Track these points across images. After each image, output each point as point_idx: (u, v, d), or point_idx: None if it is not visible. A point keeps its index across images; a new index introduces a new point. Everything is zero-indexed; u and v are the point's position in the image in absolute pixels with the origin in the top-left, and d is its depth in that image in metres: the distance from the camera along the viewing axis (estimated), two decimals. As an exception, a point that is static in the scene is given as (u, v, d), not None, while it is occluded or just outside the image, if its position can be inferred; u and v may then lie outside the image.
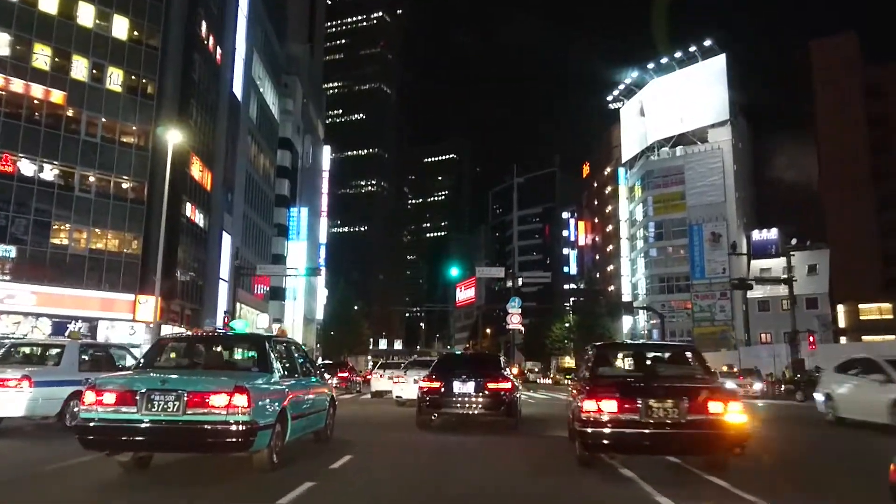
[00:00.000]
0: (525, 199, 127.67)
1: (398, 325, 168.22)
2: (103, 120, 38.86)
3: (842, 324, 61.55)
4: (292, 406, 7.58)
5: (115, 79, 39.37)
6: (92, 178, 38.38)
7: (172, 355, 8.26)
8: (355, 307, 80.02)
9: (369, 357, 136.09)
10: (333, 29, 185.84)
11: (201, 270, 46.17)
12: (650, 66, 72.53)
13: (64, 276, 36.67)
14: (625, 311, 53.99)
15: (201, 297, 46.28)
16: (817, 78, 63.61)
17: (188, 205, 43.27)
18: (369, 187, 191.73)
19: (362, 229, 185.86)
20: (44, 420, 10.51)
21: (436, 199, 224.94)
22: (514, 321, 34.73)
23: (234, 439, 6.38)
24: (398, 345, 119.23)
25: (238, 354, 8.81)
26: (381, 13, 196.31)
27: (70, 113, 37.81)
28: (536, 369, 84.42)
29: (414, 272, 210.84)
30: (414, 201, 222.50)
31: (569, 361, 77.00)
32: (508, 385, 11.97)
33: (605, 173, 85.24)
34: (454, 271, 38.30)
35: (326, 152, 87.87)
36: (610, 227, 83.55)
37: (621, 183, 77.12)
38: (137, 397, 6.37)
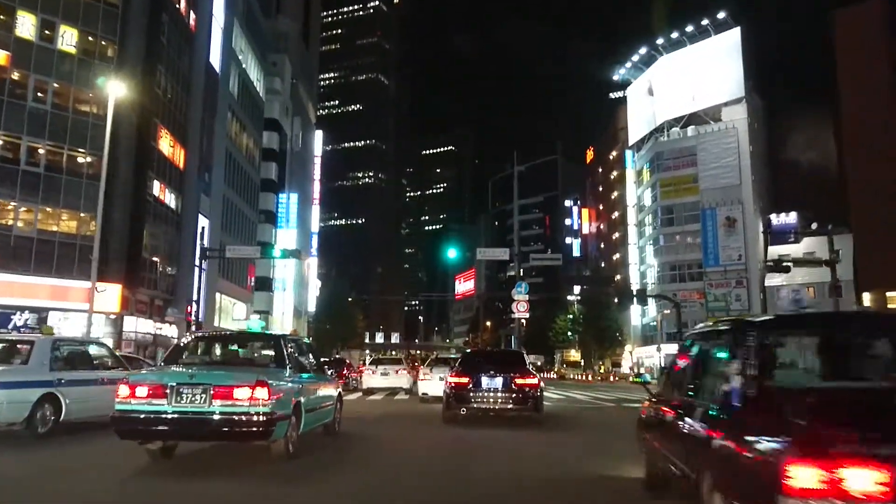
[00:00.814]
0: (526, 189, 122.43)
1: (396, 318, 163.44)
2: (55, 85, 33.98)
3: (868, 313, 56.74)
4: (306, 400, 7.87)
5: (68, 39, 34.42)
6: (42, 151, 33.51)
7: (195, 352, 8.46)
8: (349, 298, 75.10)
9: (367, 351, 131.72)
10: (330, 18, 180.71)
11: (173, 256, 41.39)
12: (659, 41, 67.58)
13: (8, 260, 31.83)
14: (637, 299, 49.24)
15: (174, 285, 41.52)
16: (841, 49, 58.54)
17: (156, 183, 38.47)
18: (367, 179, 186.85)
19: (360, 222, 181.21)
20: (10, 427, 8.92)
21: (434, 191, 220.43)
22: (521, 309, 29.91)
23: (255, 429, 6.65)
24: (395, 338, 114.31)
25: (255, 352, 8.88)
26: (377, 2, 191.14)
27: (15, 76, 32.91)
28: (539, 363, 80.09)
29: (413, 266, 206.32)
30: (412, 194, 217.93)
31: (574, 355, 72.40)
32: (535, 381, 11.89)
33: (611, 157, 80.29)
34: (451, 252, 34.16)
35: (318, 137, 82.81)
36: (616, 214, 78.69)
37: (628, 166, 72.22)
38: (167, 391, 6.67)
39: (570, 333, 73.94)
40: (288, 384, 7.46)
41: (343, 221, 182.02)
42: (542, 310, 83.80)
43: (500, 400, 11.56)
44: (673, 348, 52.00)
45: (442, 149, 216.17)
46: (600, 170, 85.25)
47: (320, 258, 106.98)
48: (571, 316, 73.11)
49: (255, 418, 6.61)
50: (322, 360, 35.27)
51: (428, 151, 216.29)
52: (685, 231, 63.96)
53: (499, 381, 11.61)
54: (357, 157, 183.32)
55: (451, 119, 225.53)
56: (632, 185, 71.98)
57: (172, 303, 41.31)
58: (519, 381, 11.64)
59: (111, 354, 11.29)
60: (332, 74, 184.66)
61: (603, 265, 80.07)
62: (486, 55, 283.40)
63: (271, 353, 8.23)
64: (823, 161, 65.85)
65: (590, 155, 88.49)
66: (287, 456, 7.30)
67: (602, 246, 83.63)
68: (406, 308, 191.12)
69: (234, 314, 42.37)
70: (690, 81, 64.14)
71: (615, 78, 75.13)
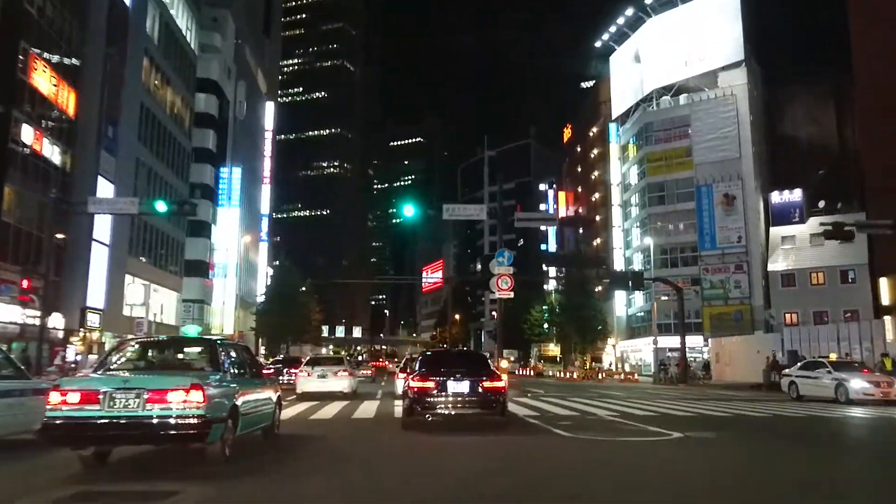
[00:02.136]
0: (497, 176, 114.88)
1: (361, 312, 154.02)
2: None
3: (885, 300, 49.28)
4: (242, 403, 7.74)
5: None
6: None
7: (130, 358, 8.18)
8: (303, 288, 65.62)
9: (331, 347, 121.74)
10: (294, 2, 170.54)
11: (58, 225, 31.87)
12: (648, 1, 59.37)
13: None
14: (632, 284, 41.06)
15: (59, 262, 32.00)
16: (855, 9, 51.05)
17: (27, 127, 29.04)
18: (332, 169, 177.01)
19: (325, 213, 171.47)
20: None
21: (403, 184, 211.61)
22: (504, 286, 21.35)
23: (190, 432, 6.54)
24: (358, 332, 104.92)
25: (191, 356, 8.48)
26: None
27: None
28: (513, 358, 72.12)
29: (380, 260, 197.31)
30: (380, 186, 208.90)
31: (553, 349, 64.17)
32: (502, 384, 11.01)
33: (591, 134, 72.07)
34: (408, 210, 25.83)
35: (270, 109, 73.21)
36: (597, 196, 70.59)
37: (612, 141, 64.05)
38: (101, 396, 6.51)
39: (545, 326, 65.81)
40: (223, 387, 7.30)
41: (307, 212, 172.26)
42: (514, 301, 75.90)
43: (467, 404, 10.55)
44: (671, 341, 43.99)
45: (410, 140, 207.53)
46: (579, 148, 77.00)
47: (282, 250, 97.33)
48: (547, 306, 64.93)
49: (189, 421, 6.50)
50: (277, 359, 27.85)
51: (396, 143, 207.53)
52: (677, 211, 55.98)
53: (466, 385, 10.60)
54: (322, 145, 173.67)
55: (421, 110, 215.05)
56: (616, 162, 63.86)
57: (60, 285, 31.87)
58: (486, 384, 10.69)
59: (6, 361, 8.96)
60: (295, 60, 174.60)
61: (582, 252, 71.79)
62: (456, 42, 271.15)
63: (207, 357, 8.00)
64: (826, 135, 58.69)
65: (567, 133, 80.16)
66: (223, 459, 7.12)
67: (581, 231, 75.42)
68: (373, 302, 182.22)
69: (127, 297, 32.84)
70: (683, 45, 56.26)
71: (597, 45, 66.88)
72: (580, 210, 75.98)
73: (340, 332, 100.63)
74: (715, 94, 54.79)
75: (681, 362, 39.64)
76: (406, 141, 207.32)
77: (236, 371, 8.20)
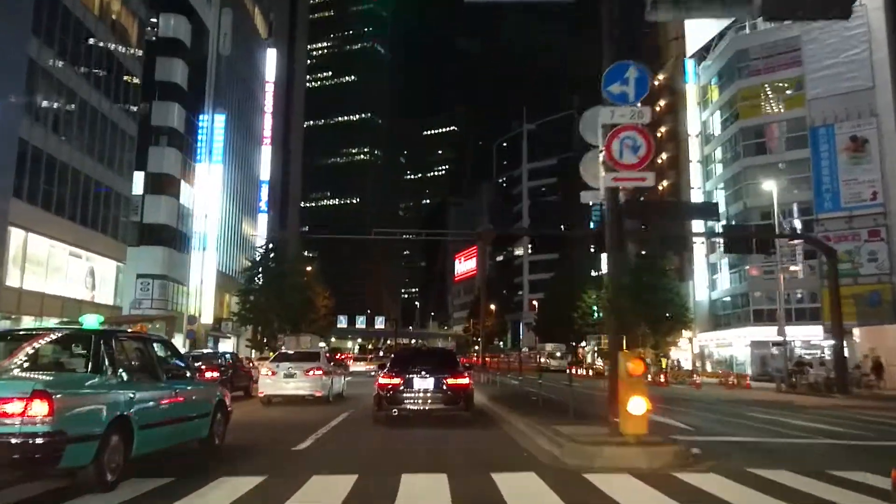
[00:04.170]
0: (536, 152, 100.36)
1: (390, 303, 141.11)
2: None
3: None
4: (142, 413, 6.03)
5: None
6: None
7: None
8: (308, 267, 52.35)
9: (359, 340, 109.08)
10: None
11: None
12: None
13: None
14: (757, 245, 26.74)
15: None
16: None
17: None
18: (361, 156, 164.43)
19: (354, 201, 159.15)
20: None
21: (436, 174, 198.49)
22: (630, 156, 7.61)
23: (31, 455, 4.78)
24: (380, 323, 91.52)
25: (65, 353, 6.37)
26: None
27: None
28: (559, 354, 58.21)
29: (412, 251, 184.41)
30: (412, 176, 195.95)
31: (616, 343, 49.77)
32: (466, 381, 11.48)
33: (656, 83, 56.91)
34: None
35: (272, 57, 60.05)
36: (664, 157, 55.85)
37: (689, 82, 49.38)
38: None
39: (598, 313, 51.52)
40: (99, 394, 5.58)
41: (336, 201, 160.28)
42: (560, 286, 62.25)
43: (432, 400, 11.11)
44: (810, 331, 29.25)
45: (443, 129, 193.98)
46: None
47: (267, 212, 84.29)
48: (605, 291, 50.31)
49: (31, 441, 4.76)
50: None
51: (429, 132, 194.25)
52: (784, 161, 41.28)
53: (430, 382, 11.14)
54: (351, 131, 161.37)
55: (454, 95, 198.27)
56: (694, 108, 49.18)
57: None
58: (450, 381, 11.18)
59: None
60: (324, 44, 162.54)
61: (644, 226, 57.21)
62: (492, 15, 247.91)
63: (83, 354, 6.00)
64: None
65: (623, 88, 65.71)
66: (102, 487, 5.28)
67: (641, 200, 60.62)
68: (405, 295, 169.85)
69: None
70: (787, -52, 41.44)
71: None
72: (640, 177, 61.25)
73: (361, 322, 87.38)
74: (836, 6, 39.81)
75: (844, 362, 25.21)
76: (438, 130, 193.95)
77: (136, 372, 6.32)
